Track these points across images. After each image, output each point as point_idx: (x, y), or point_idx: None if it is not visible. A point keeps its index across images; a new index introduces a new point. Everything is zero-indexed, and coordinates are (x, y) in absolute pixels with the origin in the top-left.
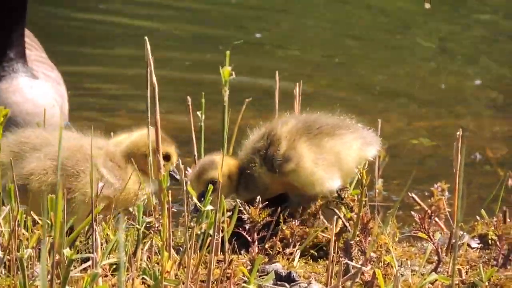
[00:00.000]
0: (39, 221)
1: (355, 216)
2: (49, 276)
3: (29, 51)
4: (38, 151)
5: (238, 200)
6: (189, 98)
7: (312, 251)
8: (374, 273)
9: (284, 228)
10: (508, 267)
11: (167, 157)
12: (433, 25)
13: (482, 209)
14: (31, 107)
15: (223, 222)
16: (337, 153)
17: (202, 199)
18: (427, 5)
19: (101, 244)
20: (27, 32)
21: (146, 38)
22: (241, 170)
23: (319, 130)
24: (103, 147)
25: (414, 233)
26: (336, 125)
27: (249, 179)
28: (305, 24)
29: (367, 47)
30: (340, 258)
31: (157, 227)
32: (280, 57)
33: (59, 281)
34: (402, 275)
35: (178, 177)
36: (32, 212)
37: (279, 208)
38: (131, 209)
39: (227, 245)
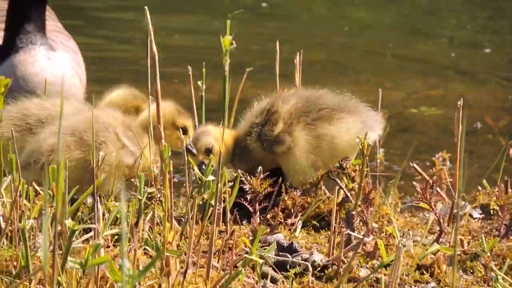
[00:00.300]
0: (41, 192)
1: (357, 186)
2: (51, 247)
3: (46, 21)
4: (48, 125)
5: (239, 171)
6: (189, 68)
7: (314, 222)
8: (376, 243)
9: (285, 199)
10: (511, 237)
11: (184, 130)
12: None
13: (484, 179)
14: (49, 77)
15: (224, 192)
16: (332, 137)
17: (203, 167)
18: None
19: (103, 215)
20: None
21: (145, 7)
22: (238, 141)
23: (318, 114)
24: (118, 116)
25: (416, 203)
26: (337, 107)
27: (244, 151)
28: None
29: (372, 17)
30: (342, 229)
31: (159, 197)
32: (284, 26)
33: (61, 252)
34: (404, 246)
35: (195, 151)
36: (33, 183)
37: (281, 178)
38: (132, 180)
39: (228, 215)
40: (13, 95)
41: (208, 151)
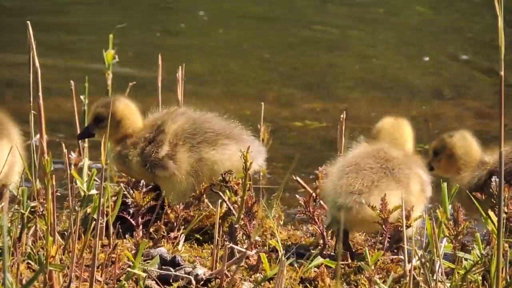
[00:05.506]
0: None
1: (240, 199)
2: None
3: None
4: None
5: (122, 184)
6: (72, 82)
7: (197, 235)
8: (259, 257)
9: (168, 212)
10: (395, 250)
11: None
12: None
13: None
14: None
15: (107, 206)
16: (214, 163)
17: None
18: None
19: None
20: None
21: (28, 22)
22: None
23: (203, 137)
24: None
25: (299, 216)
26: (222, 133)
27: (124, 156)
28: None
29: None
30: (225, 242)
31: (42, 211)
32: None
33: None
34: (287, 259)
35: None
36: None
37: (164, 191)
38: (15, 192)
39: (111, 229)
40: None
41: (99, 119)
